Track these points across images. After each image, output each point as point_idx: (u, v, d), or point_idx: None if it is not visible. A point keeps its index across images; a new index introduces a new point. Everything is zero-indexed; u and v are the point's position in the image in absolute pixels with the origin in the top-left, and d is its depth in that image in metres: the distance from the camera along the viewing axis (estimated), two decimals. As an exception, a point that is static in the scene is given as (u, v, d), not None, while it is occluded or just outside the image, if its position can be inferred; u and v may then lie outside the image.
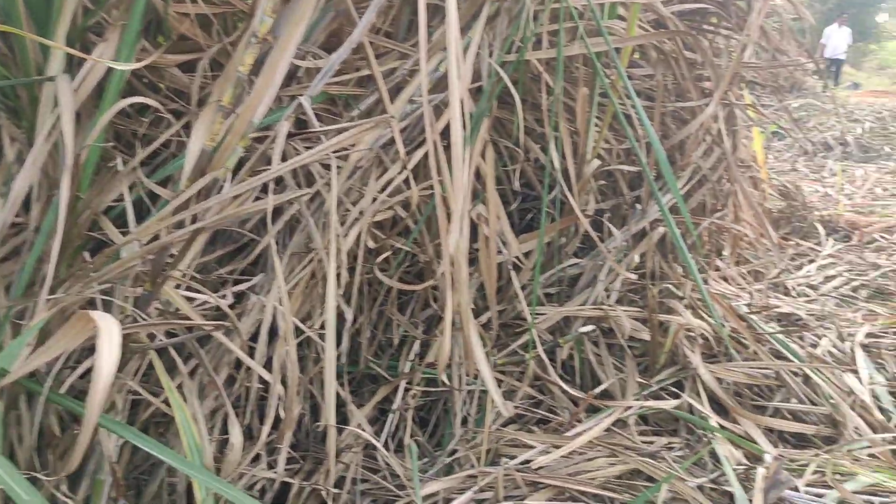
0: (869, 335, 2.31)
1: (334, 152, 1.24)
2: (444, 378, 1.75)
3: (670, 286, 2.09)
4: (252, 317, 1.47)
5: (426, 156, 1.63)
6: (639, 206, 2.20)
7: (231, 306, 1.45)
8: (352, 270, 1.63)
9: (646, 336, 1.97)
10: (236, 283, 1.51)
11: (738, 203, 2.42)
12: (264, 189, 1.40)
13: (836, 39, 11.52)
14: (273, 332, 1.48)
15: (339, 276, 1.50)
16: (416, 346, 1.90)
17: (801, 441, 1.87)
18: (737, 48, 1.98)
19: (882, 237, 3.51)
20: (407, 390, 1.83)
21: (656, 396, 1.93)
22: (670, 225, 1.62)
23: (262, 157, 1.24)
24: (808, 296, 2.80)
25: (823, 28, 12.23)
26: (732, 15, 2.08)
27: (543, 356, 1.84)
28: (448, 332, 1.54)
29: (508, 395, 1.90)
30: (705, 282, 2.43)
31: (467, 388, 1.84)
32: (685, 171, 2.16)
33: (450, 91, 1.26)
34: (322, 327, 1.48)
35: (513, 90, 1.54)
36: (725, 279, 2.52)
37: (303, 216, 1.39)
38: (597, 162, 1.94)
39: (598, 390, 1.86)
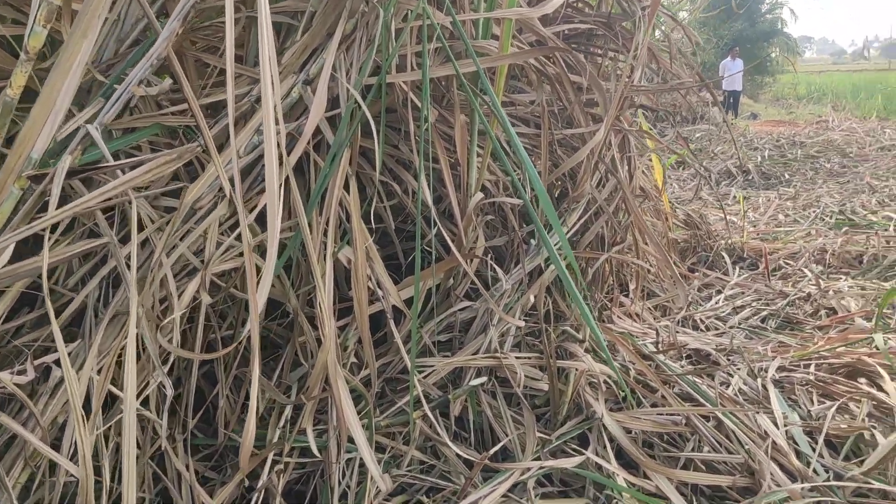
0: (780, 369, 2.19)
1: (133, 188, 1.01)
2: (315, 449, 1.51)
3: (569, 329, 1.91)
4: (61, 395, 1.20)
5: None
6: (533, 242, 2.03)
7: (34, 382, 1.19)
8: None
9: (545, 385, 1.79)
10: (44, 352, 1.25)
11: (638, 235, 2.28)
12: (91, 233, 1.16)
13: (732, 71, 11.93)
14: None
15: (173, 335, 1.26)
16: (288, 411, 1.66)
17: (717, 494, 1.71)
18: (625, 70, 1.85)
19: (787, 263, 3.47)
20: (278, 462, 1.59)
21: (560, 451, 1.74)
22: (557, 262, 1.44)
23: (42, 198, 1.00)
24: (717, 329, 2.68)
25: (720, 62, 12.69)
26: (619, 37, 1.95)
27: (430, 415, 1.63)
28: (315, 393, 1.31)
29: (395, 460, 1.68)
30: (609, 320, 2.27)
31: (347, 458, 1.61)
32: (580, 203, 2.00)
33: (264, 120, 1.05)
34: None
35: (368, 115, 1.34)
36: (631, 316, 2.37)
37: (121, 269, 1.15)
38: (480, 195, 1.76)
39: (493, 450, 1.65)
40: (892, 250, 3.39)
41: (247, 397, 1.73)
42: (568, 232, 2.03)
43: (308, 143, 1.45)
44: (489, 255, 2.02)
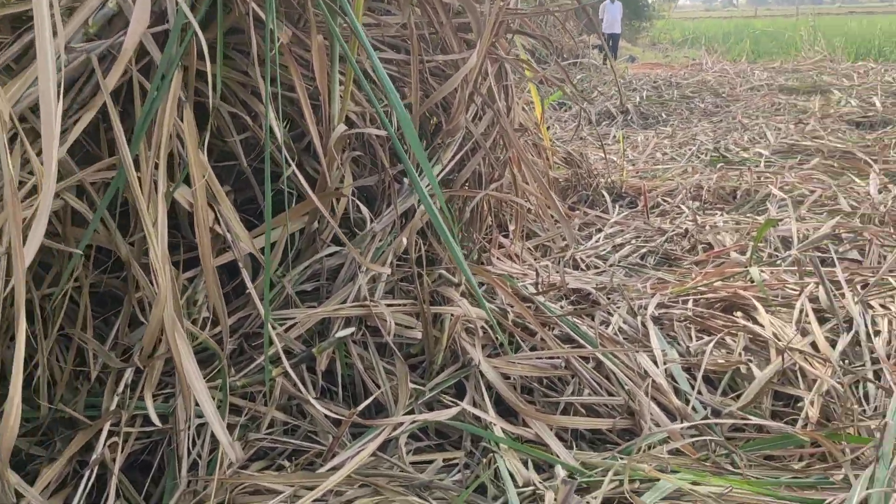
0: (660, 306, 2.15)
1: None
2: (154, 417, 1.33)
3: (444, 272, 1.78)
4: None
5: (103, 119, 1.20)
6: (406, 181, 1.88)
7: None
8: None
9: (419, 333, 1.66)
10: None
11: (518, 172, 2.17)
12: None
13: (612, 14, 12.03)
14: None
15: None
16: (129, 375, 1.46)
17: (598, 437, 1.65)
18: (500, -11, 1.71)
19: (665, 201, 3.48)
20: (115, 433, 1.40)
21: (437, 402, 1.63)
22: (426, 203, 1.30)
23: None
24: (598, 267, 2.64)
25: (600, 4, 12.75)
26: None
27: (291, 371, 1.47)
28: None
29: (254, 423, 1.52)
30: (488, 262, 2.17)
31: (199, 423, 1.44)
32: (455, 137, 1.86)
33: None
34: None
35: (196, 27, 1.14)
36: (510, 257, 2.28)
37: None
38: (342, 126, 1.58)
39: (361, 406, 1.51)
40: (763, 185, 3.46)
41: (81, 363, 1.52)
42: (443, 169, 1.89)
43: (131, 62, 1.23)
44: (357, 196, 1.86)
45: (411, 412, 1.56)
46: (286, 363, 1.45)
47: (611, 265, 2.66)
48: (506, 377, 1.68)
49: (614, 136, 5.20)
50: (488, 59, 1.87)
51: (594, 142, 5.06)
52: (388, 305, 1.68)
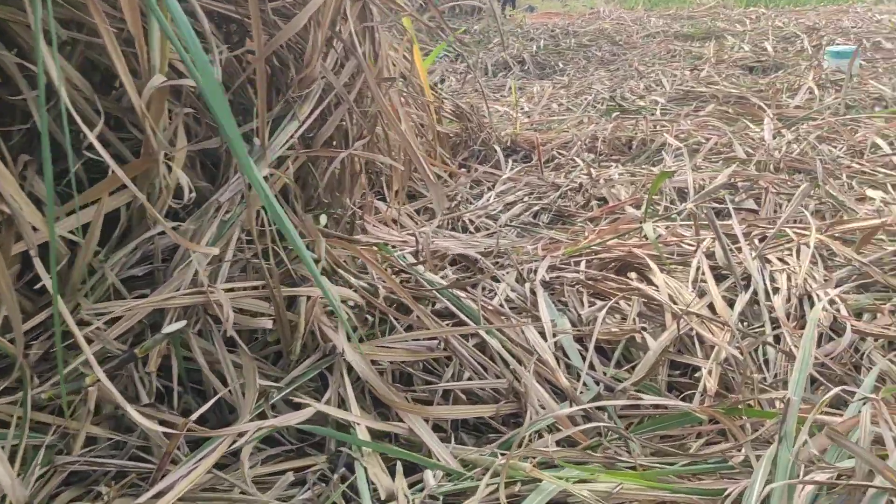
0: (551, 269, 1.99)
1: None
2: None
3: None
4: None
5: None
6: (256, 142, 1.62)
7: None
8: None
9: (268, 323, 1.43)
10: None
11: (390, 126, 1.94)
12: None
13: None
14: None
15: None
16: None
17: (484, 423, 1.47)
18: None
19: (560, 153, 3.32)
20: None
21: (294, 400, 1.41)
22: (248, 171, 1.05)
23: None
24: (488, 228, 2.45)
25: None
26: None
27: (105, 380, 1.21)
28: None
29: (63, 440, 1.26)
30: (362, 230, 1.94)
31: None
32: (312, 89, 1.61)
33: None
34: None
35: None
36: (387, 223, 2.06)
37: None
38: (160, 77, 1.31)
39: (197, 413, 1.27)
40: (658, 134, 3.34)
41: None
42: (300, 126, 1.63)
43: None
44: (199, 161, 1.59)
45: (263, 415, 1.34)
46: (97, 369, 1.20)
47: (501, 226, 2.48)
48: (375, 364, 1.47)
49: (510, 88, 5.00)
50: (344, -4, 1.61)
51: (490, 93, 4.86)
52: (231, 290, 1.44)
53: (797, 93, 4.07)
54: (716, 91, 4.13)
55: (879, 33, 6.50)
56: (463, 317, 1.61)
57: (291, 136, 1.58)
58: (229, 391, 1.37)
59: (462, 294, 1.71)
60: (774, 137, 3.24)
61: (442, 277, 1.86)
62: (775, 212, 2.41)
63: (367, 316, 1.57)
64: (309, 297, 1.45)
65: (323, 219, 1.73)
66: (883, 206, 2.45)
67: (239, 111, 1.71)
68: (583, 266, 1.99)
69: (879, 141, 3.11)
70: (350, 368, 1.43)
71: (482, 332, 1.54)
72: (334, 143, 1.73)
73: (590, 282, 1.90)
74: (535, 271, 1.92)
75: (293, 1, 1.56)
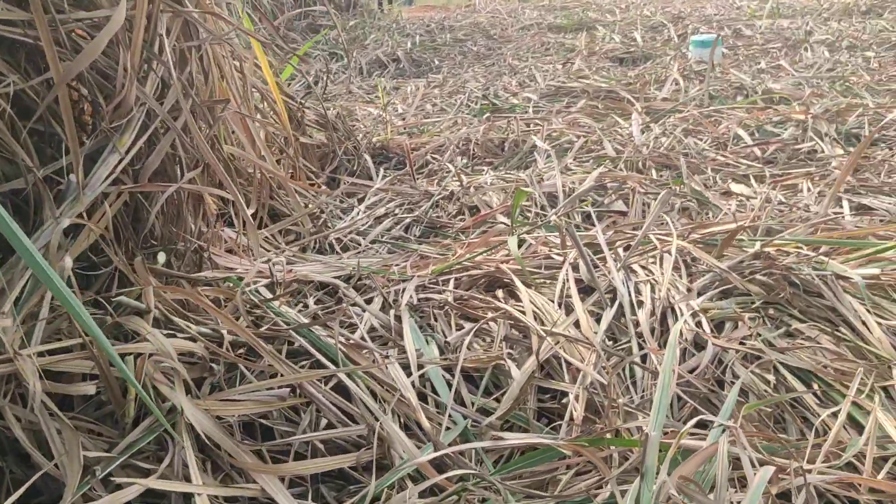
0: (419, 290, 1.90)
1: None
2: None
3: (125, 299, 1.39)
4: None
5: None
6: (72, 178, 1.45)
7: None
8: None
9: (90, 388, 1.28)
10: None
11: (244, 146, 1.80)
12: None
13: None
14: None
15: None
16: None
17: (346, 473, 1.37)
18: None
19: (434, 158, 3.24)
20: None
21: (131, 468, 1.27)
22: (35, 265, 0.91)
23: None
24: (357, 246, 2.35)
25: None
26: None
27: None
28: None
29: None
30: (210, 262, 1.79)
31: None
32: (130, 117, 1.45)
33: None
34: None
35: None
36: (240, 252, 1.92)
37: None
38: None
39: (20, 492, 1.12)
40: (530, 134, 3.32)
41: None
42: (121, 160, 1.47)
43: None
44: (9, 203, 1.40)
45: (90, 494, 1.19)
46: None
47: (372, 242, 2.38)
48: (223, 420, 1.35)
49: (385, 88, 4.90)
50: (164, 14, 1.46)
51: (364, 94, 4.74)
52: (49, 353, 1.28)
53: (664, 84, 4.15)
54: (586, 86, 4.16)
55: (740, 20, 6.77)
56: (320, 357, 1.50)
57: (113, 171, 1.42)
58: (55, 464, 1.22)
59: (321, 330, 1.60)
60: (643, 132, 3.28)
61: (301, 310, 1.74)
62: (644, 213, 2.42)
63: (213, 365, 1.44)
64: (140, 354, 1.31)
65: (161, 257, 1.58)
66: (745, 200, 2.50)
67: (54, 142, 1.54)
68: (451, 285, 1.92)
69: (741, 132, 3.19)
70: (193, 427, 1.30)
71: (341, 375, 1.44)
72: (167, 172, 1.58)
73: (458, 303, 1.83)
74: (402, 291, 1.84)
75: (94, 23, 1.39)
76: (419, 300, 1.85)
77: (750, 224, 1.98)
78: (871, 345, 1.50)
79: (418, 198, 2.75)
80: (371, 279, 1.90)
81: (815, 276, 1.66)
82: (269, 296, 1.73)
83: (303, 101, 2.81)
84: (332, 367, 1.48)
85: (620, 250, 1.88)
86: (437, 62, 5.75)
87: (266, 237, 2.14)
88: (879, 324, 1.53)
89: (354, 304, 1.74)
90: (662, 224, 2.06)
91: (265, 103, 2.45)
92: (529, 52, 5.99)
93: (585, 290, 1.80)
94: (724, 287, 1.71)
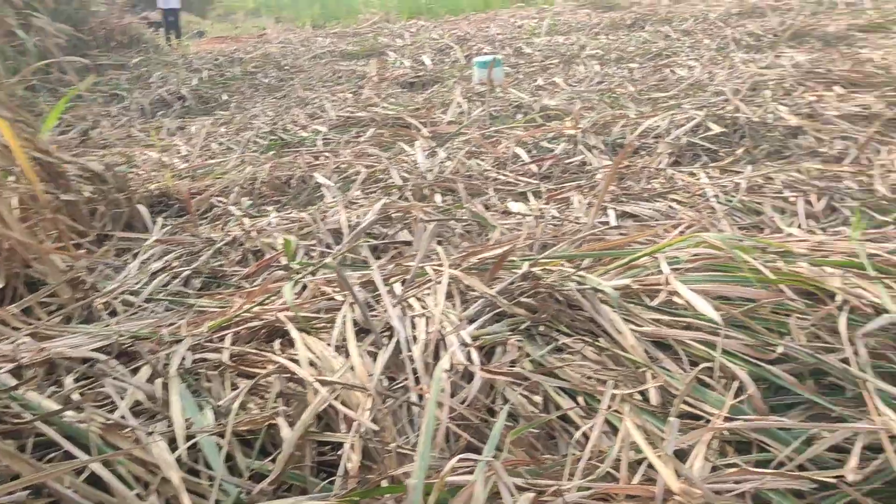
0: (194, 349, 1.80)
1: None
2: None
3: None
4: None
5: None
6: None
7: None
8: None
9: None
10: None
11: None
12: None
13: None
14: None
15: None
16: None
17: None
18: None
19: (219, 202, 3.12)
20: None
21: None
22: None
23: None
24: (129, 308, 2.19)
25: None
26: None
27: None
28: None
29: None
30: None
31: None
32: None
33: None
34: None
35: None
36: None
37: None
38: None
39: None
40: (318, 168, 3.28)
41: None
42: None
43: None
44: None
45: None
46: None
47: (146, 301, 2.23)
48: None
49: (169, 129, 4.68)
50: None
51: (145, 137, 4.49)
52: None
53: (449, 108, 4.27)
54: (375, 114, 4.19)
55: (521, 39, 7.14)
56: (70, 446, 1.37)
57: None
58: None
59: (76, 414, 1.46)
60: (428, 158, 3.34)
61: (55, 392, 1.59)
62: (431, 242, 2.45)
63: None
64: None
65: None
66: (522, 218, 2.60)
67: None
68: (228, 341, 1.83)
69: (519, 150, 3.33)
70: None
71: (94, 464, 1.32)
72: None
73: (235, 360, 1.75)
74: (172, 359, 1.73)
75: None
76: (193, 362, 1.75)
77: (524, 243, 2.06)
78: (626, 352, 1.59)
79: (200, 246, 2.62)
80: (138, 348, 1.77)
81: (576, 290, 1.74)
82: (14, 382, 1.56)
83: (60, 156, 2.60)
84: (85, 455, 1.35)
85: (399, 285, 1.88)
86: (225, 97, 5.58)
87: (17, 312, 1.94)
88: (634, 331, 1.62)
89: (116, 378, 1.61)
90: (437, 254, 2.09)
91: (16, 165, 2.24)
92: (321, 81, 5.97)
93: (367, 330, 1.78)
94: (497, 311, 1.76)
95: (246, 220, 2.69)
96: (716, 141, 3.26)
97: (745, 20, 6.90)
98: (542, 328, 1.74)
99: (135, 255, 2.59)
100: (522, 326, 1.71)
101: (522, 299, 1.78)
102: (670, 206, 2.61)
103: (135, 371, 1.71)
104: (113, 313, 2.15)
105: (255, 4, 20.08)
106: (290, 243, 2.00)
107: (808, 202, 2.55)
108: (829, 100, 3.68)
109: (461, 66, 6.02)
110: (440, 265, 1.90)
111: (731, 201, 2.60)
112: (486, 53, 6.37)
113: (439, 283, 1.80)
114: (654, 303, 1.73)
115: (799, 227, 2.40)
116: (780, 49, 5.37)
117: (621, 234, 2.43)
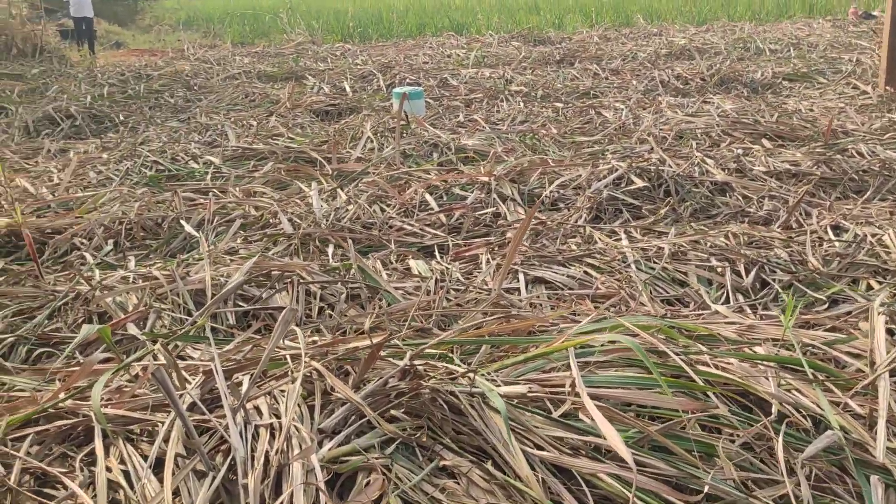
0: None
1: None
2: None
3: None
4: None
5: None
6: None
7: None
8: None
9: None
10: None
11: None
12: None
13: (79, -3, 10.48)
14: None
15: None
16: None
17: None
18: None
19: (81, 244, 2.70)
20: None
21: None
22: None
23: None
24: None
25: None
26: None
27: None
28: None
29: None
30: None
31: None
32: None
33: None
34: None
35: None
36: None
37: None
38: None
39: None
40: (199, 207, 2.90)
41: None
42: None
43: None
44: None
45: None
46: None
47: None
48: None
49: (48, 151, 4.20)
50: None
51: (20, 161, 4.00)
52: None
53: (359, 142, 3.94)
54: (275, 146, 3.82)
55: (447, 69, 6.88)
56: None
57: None
58: None
59: None
60: (328, 201, 3.00)
61: None
62: (308, 307, 2.10)
63: None
64: None
65: None
66: (421, 282, 2.28)
67: None
68: (26, 444, 1.44)
69: (428, 197, 3.02)
70: None
71: None
72: None
73: (31, 471, 1.36)
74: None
75: None
76: (-29, 478, 1.35)
77: (396, 334, 1.72)
78: (520, 481, 1.27)
79: (41, 302, 2.20)
80: None
81: (463, 396, 1.41)
82: None
83: None
84: None
85: (246, 379, 1.51)
86: (122, 117, 5.11)
87: None
88: (530, 454, 1.31)
89: None
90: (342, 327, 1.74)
91: None
92: (231, 104, 5.56)
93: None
94: (365, 418, 1.42)
95: (97, 273, 2.28)
96: (639, 195, 3.01)
97: (673, 62, 6.82)
98: (424, 437, 1.41)
99: (-46, 312, 2.15)
100: (396, 440, 1.38)
101: (400, 401, 1.45)
102: (586, 272, 2.32)
103: None
104: None
105: (187, 17, 19.32)
106: (107, 331, 1.62)
107: (737, 273, 2.30)
108: (757, 153, 3.50)
109: (383, 95, 5.71)
110: (298, 354, 1.55)
111: (653, 269, 2.33)
112: (408, 83, 6.09)
113: (294, 380, 1.45)
114: (558, 413, 1.42)
115: (727, 303, 2.15)
116: (707, 95, 5.24)
117: (531, 304, 2.14)
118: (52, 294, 2.23)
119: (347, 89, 5.90)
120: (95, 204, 3.08)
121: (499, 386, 1.43)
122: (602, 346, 1.66)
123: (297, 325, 2.00)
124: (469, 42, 8.98)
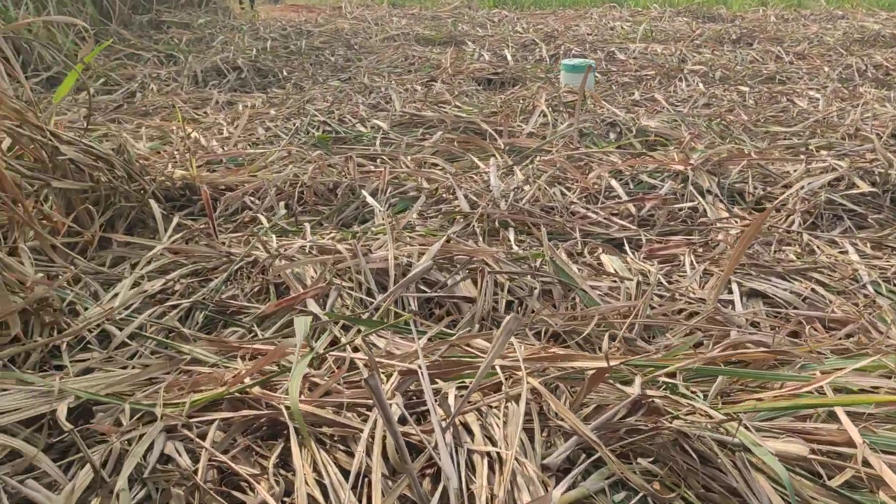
0: (170, 431, 1.30)
1: None
2: None
3: None
4: None
5: None
6: None
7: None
8: None
9: None
10: None
11: None
12: None
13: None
14: None
15: None
16: None
17: None
18: None
19: (253, 203, 2.63)
20: None
21: None
22: None
23: None
24: (99, 349, 1.70)
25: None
26: None
27: None
28: None
29: None
30: None
31: None
32: None
33: None
34: None
35: None
36: None
37: None
38: None
39: None
40: (370, 176, 2.75)
41: None
42: None
43: None
44: None
45: None
46: None
47: (130, 338, 1.73)
48: None
49: (216, 103, 4.20)
50: None
51: (190, 110, 4.02)
52: None
53: (531, 116, 3.69)
54: (444, 115, 3.63)
55: (613, 42, 6.49)
56: None
57: None
58: None
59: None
60: (503, 178, 2.79)
61: None
62: (496, 301, 1.90)
63: None
64: None
65: None
66: (619, 282, 2.03)
67: None
68: (212, 432, 1.32)
69: (614, 183, 2.75)
70: None
71: None
72: None
73: (215, 466, 1.23)
74: (126, 458, 1.22)
75: None
76: (156, 466, 1.24)
77: (619, 360, 1.49)
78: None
79: (216, 263, 2.12)
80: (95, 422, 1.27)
81: (714, 443, 1.17)
82: None
83: (58, 133, 2.11)
84: None
85: (453, 390, 1.33)
86: (285, 73, 5.08)
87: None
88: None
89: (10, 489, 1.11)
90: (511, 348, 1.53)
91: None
92: (392, 66, 5.43)
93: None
94: (594, 456, 1.20)
95: (273, 239, 2.17)
96: (860, 201, 2.62)
97: (868, 49, 6.14)
98: (656, 485, 1.18)
99: (133, 266, 2.10)
100: (630, 484, 1.16)
101: (633, 439, 1.22)
102: (813, 290, 2.00)
103: (69, 467, 1.22)
104: (86, 348, 1.66)
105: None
106: (302, 321, 1.47)
107: None
108: None
109: (546, 66, 5.42)
110: (514, 370, 1.35)
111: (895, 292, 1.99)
112: (575, 55, 5.76)
113: (514, 400, 1.25)
114: (837, 482, 1.15)
115: None
116: (916, 88, 4.65)
117: (751, 322, 1.85)
118: (226, 256, 2.13)
119: (508, 57, 5.65)
120: (266, 162, 3.00)
121: (763, 439, 1.18)
122: (860, 391, 1.37)
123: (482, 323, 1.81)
124: (633, 14, 8.49)
